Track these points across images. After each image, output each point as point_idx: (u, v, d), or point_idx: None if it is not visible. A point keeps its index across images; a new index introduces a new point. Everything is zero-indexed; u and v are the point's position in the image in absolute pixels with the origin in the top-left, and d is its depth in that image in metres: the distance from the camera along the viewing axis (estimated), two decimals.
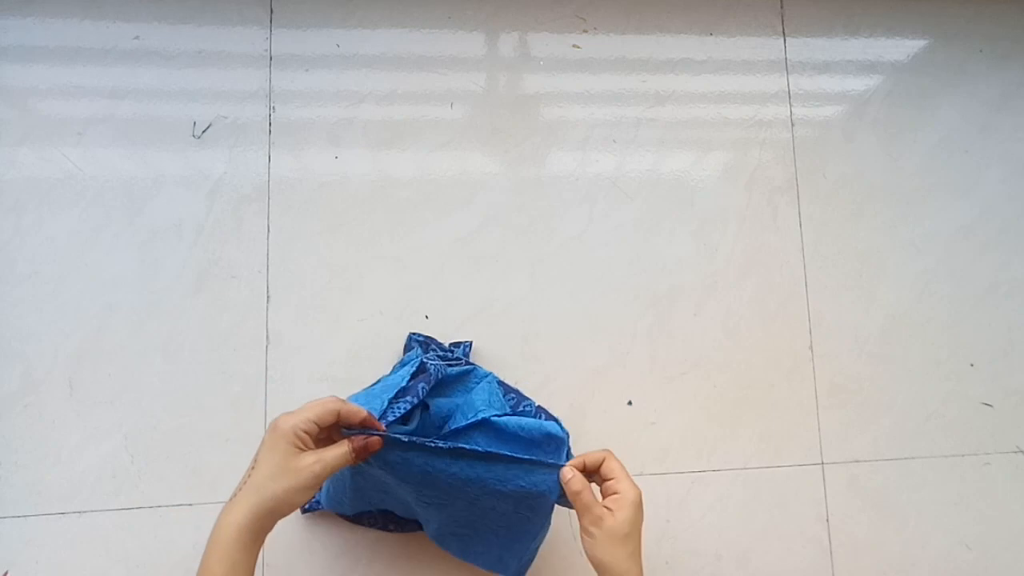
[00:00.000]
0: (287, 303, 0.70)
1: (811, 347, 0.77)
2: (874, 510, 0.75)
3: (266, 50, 0.74)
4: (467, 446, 0.52)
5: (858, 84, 0.82)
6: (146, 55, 0.72)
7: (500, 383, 0.62)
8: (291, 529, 0.66)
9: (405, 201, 0.73)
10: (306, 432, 0.47)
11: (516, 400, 0.61)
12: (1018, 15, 0.86)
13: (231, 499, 0.47)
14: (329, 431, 0.50)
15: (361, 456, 0.50)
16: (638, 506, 0.52)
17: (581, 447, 0.71)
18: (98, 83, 0.71)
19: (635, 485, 0.52)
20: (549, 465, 0.53)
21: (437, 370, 0.58)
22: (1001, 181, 0.83)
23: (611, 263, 0.75)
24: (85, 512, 0.65)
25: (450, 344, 0.70)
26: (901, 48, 0.84)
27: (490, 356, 0.72)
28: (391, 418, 0.52)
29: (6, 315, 0.67)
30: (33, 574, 0.64)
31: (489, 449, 0.52)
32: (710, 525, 0.72)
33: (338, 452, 0.49)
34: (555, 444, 0.56)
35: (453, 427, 0.55)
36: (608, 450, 0.55)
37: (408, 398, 0.54)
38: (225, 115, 0.72)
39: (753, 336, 0.76)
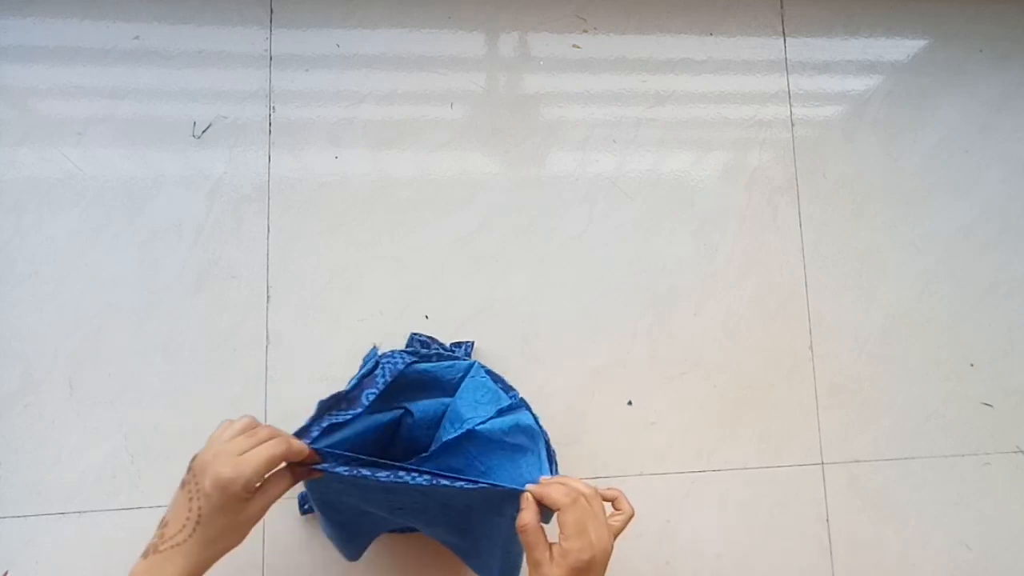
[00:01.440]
0: (287, 303, 0.70)
1: (811, 347, 0.77)
2: (874, 510, 0.75)
3: (266, 50, 0.74)
4: (407, 478, 0.48)
5: (858, 84, 0.82)
6: (146, 55, 0.72)
7: (486, 372, 0.61)
8: (291, 529, 0.66)
9: (405, 201, 0.73)
10: (255, 484, 0.46)
11: (503, 388, 0.60)
12: (1018, 15, 0.86)
13: (169, 547, 0.44)
14: None
15: (301, 477, 0.50)
16: (578, 570, 0.46)
17: (581, 447, 0.72)
18: (98, 83, 0.71)
19: (586, 548, 0.47)
20: (508, 491, 0.50)
21: (389, 370, 0.55)
22: (1001, 181, 0.83)
23: (611, 263, 0.75)
24: (85, 512, 0.65)
25: (451, 344, 0.70)
26: (901, 48, 0.84)
27: (490, 356, 0.72)
28: (315, 433, 0.50)
29: (6, 315, 0.67)
30: (33, 574, 0.64)
31: (433, 483, 0.48)
32: (710, 525, 0.72)
33: (280, 485, 0.49)
34: (532, 437, 0.55)
35: (444, 439, 0.54)
36: (575, 496, 0.49)
37: (341, 410, 0.52)
38: (225, 115, 0.72)
39: (753, 336, 0.76)
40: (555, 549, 0.48)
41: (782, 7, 0.82)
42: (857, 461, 0.76)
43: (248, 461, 0.45)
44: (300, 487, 0.63)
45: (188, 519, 0.45)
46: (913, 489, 0.76)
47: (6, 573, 0.63)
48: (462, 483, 0.49)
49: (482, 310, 0.73)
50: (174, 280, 0.69)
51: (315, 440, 0.50)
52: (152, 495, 0.66)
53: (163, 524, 0.46)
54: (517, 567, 0.59)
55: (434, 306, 0.72)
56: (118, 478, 0.65)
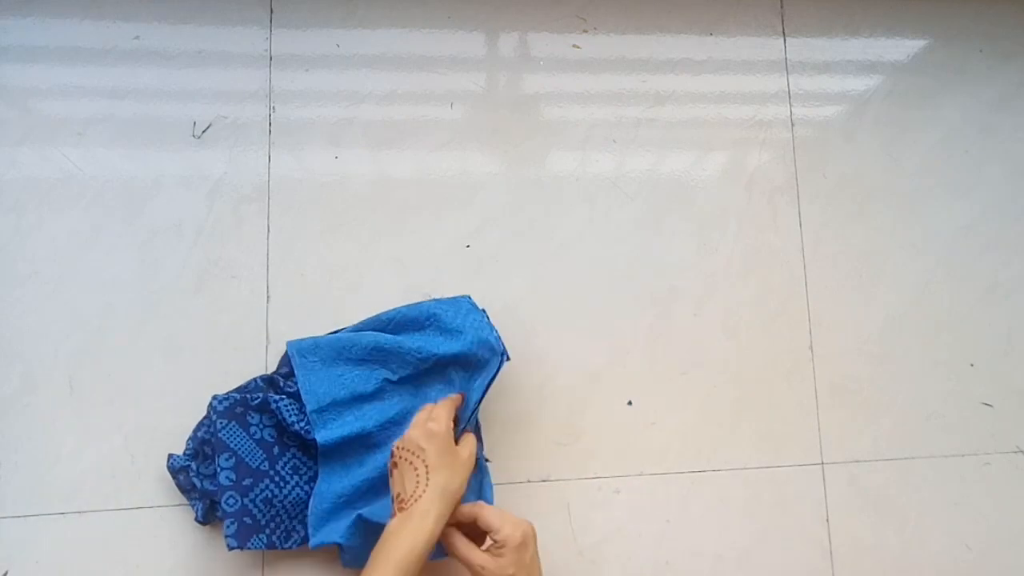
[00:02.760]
0: (287, 303, 0.70)
1: (811, 347, 0.77)
2: (874, 510, 0.75)
3: (266, 50, 0.74)
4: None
5: (858, 84, 0.82)
6: (146, 55, 0.72)
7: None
8: None
9: (405, 201, 0.73)
10: (452, 429, 0.57)
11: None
12: (1018, 15, 0.86)
13: (412, 501, 0.53)
14: None
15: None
16: (520, 547, 0.53)
17: (582, 447, 0.72)
18: (98, 83, 0.71)
19: (517, 526, 0.54)
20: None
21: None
22: (1001, 181, 0.83)
23: (611, 263, 0.75)
24: (85, 512, 0.65)
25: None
26: (901, 48, 0.84)
27: None
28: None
29: (6, 315, 0.67)
30: (33, 574, 0.64)
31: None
32: (710, 525, 0.72)
33: (472, 438, 0.60)
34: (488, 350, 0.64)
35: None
36: (477, 503, 0.57)
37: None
38: (225, 115, 0.72)
39: (753, 336, 0.76)
40: (493, 547, 0.54)
41: (782, 7, 0.82)
42: (857, 461, 0.76)
43: (437, 417, 0.57)
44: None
45: (419, 475, 0.54)
46: (913, 489, 0.76)
47: (6, 573, 0.63)
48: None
49: None
50: (174, 280, 0.69)
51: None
52: (152, 495, 0.66)
53: (395, 499, 0.55)
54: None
55: None
56: (118, 478, 0.65)
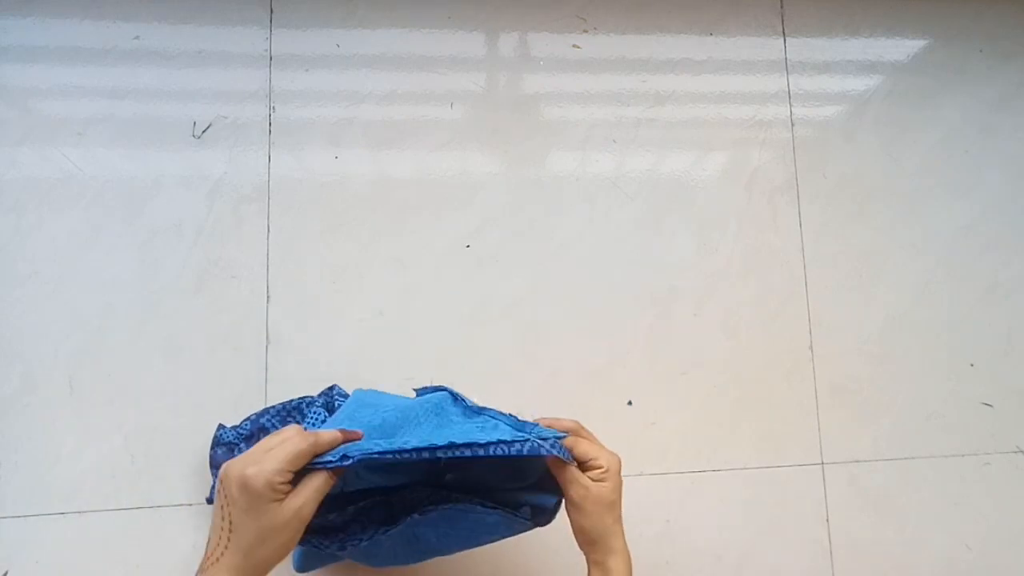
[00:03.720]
0: (287, 303, 0.70)
1: (811, 347, 0.77)
2: (874, 510, 0.75)
3: (266, 50, 0.73)
4: (441, 444, 0.47)
5: (858, 84, 0.82)
6: (146, 55, 0.72)
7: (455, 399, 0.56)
8: None
9: (405, 201, 0.73)
10: (283, 483, 0.43)
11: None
12: (1018, 15, 0.86)
13: (210, 564, 0.43)
14: None
15: (340, 473, 0.47)
16: (619, 473, 0.53)
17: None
18: (98, 83, 0.71)
19: (612, 453, 0.54)
20: (530, 452, 0.50)
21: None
22: (1001, 181, 0.83)
23: (611, 263, 0.75)
24: (85, 512, 0.65)
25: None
26: (901, 48, 0.84)
27: (490, 357, 0.72)
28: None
29: (6, 315, 0.67)
30: (33, 574, 0.64)
31: (471, 453, 0.48)
32: (710, 525, 0.72)
33: (318, 482, 0.45)
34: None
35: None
36: (574, 425, 0.55)
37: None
38: (225, 115, 0.72)
39: (753, 336, 0.76)
40: (594, 473, 0.52)
41: (782, 7, 0.82)
42: (857, 461, 0.76)
43: (270, 456, 0.43)
44: None
45: (223, 529, 0.43)
46: (913, 489, 0.76)
47: (6, 573, 0.63)
48: (499, 448, 0.49)
49: (482, 310, 0.73)
50: (174, 280, 0.69)
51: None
52: (152, 495, 0.66)
53: (207, 542, 0.44)
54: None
55: (434, 306, 0.72)
56: (118, 478, 0.65)
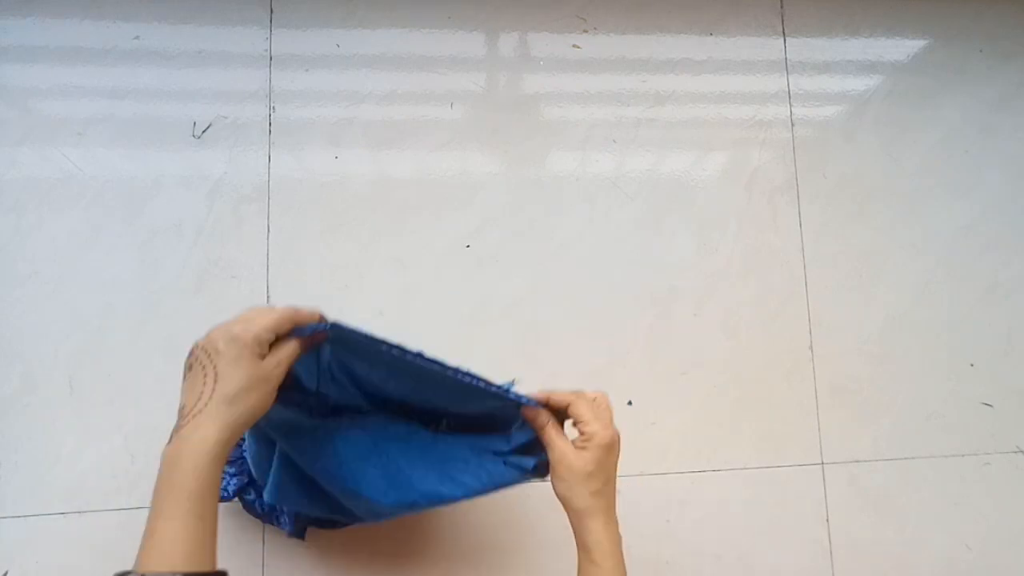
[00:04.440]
0: (287, 303, 0.70)
1: (811, 347, 0.77)
2: (874, 510, 0.75)
3: (266, 50, 0.74)
4: (426, 358, 0.50)
5: (858, 84, 0.82)
6: (146, 55, 0.72)
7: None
8: None
9: (405, 201, 0.73)
10: (267, 341, 0.46)
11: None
12: (1018, 15, 0.86)
13: (191, 417, 0.44)
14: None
15: (308, 345, 0.50)
16: (606, 448, 0.50)
17: None
18: (98, 83, 0.71)
19: (607, 427, 0.51)
20: (510, 398, 0.52)
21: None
22: (1001, 181, 0.83)
23: (611, 263, 0.75)
24: (85, 512, 0.65)
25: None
26: (901, 48, 0.84)
27: (490, 357, 0.72)
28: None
29: (6, 315, 0.67)
30: (33, 574, 0.64)
31: (447, 373, 0.50)
32: (710, 525, 0.72)
33: (290, 348, 0.48)
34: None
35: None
36: (578, 392, 0.53)
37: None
38: (225, 115, 0.72)
39: (753, 336, 0.76)
40: (579, 439, 0.51)
41: (782, 7, 0.82)
42: (857, 461, 0.76)
43: (258, 318, 0.47)
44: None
45: (204, 384, 0.45)
46: (913, 489, 0.76)
47: (6, 573, 0.63)
48: (477, 381, 0.51)
49: (482, 310, 0.73)
50: (174, 280, 0.69)
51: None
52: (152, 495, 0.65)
53: (180, 409, 0.46)
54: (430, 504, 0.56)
55: (434, 306, 0.72)
56: (118, 478, 0.65)
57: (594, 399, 0.52)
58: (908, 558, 0.75)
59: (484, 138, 0.75)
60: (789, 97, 0.81)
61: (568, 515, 0.51)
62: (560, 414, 0.53)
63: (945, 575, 0.75)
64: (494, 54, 0.77)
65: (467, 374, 0.51)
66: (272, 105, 0.73)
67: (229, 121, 0.72)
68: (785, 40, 0.82)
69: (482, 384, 0.51)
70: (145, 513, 0.66)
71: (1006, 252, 0.82)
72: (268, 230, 0.71)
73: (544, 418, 0.52)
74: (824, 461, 0.75)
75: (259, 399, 0.46)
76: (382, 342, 0.49)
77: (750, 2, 0.82)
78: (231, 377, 0.45)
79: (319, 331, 0.50)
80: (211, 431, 0.44)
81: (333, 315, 0.70)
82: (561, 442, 0.51)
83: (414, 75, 0.75)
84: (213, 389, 0.45)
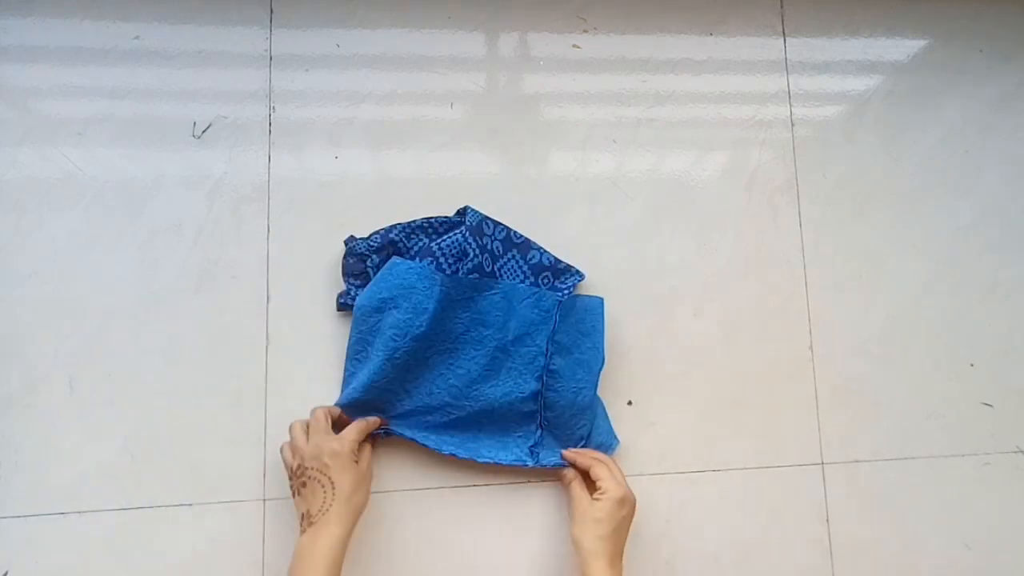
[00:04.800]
0: (287, 303, 0.70)
1: (811, 347, 0.77)
2: (874, 510, 0.75)
3: (266, 50, 0.74)
4: (461, 456, 0.68)
5: (858, 84, 0.82)
6: (146, 55, 0.72)
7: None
8: (291, 529, 0.66)
9: (405, 201, 0.73)
10: (356, 450, 0.61)
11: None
12: (1018, 15, 0.86)
13: (320, 516, 0.56)
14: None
15: (374, 439, 0.67)
16: (617, 501, 0.62)
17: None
18: (98, 83, 0.71)
19: (620, 486, 0.63)
20: (543, 465, 0.68)
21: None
22: (1001, 181, 0.83)
23: (611, 263, 0.75)
24: (85, 512, 0.65)
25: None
26: (901, 48, 0.84)
27: None
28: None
29: (6, 315, 0.67)
30: (33, 574, 0.64)
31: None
32: (710, 525, 0.72)
33: (368, 451, 0.64)
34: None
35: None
36: (601, 459, 0.67)
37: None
38: (225, 115, 0.72)
39: (753, 336, 0.76)
40: (596, 493, 0.63)
41: (782, 7, 0.82)
42: (857, 461, 0.76)
43: (346, 436, 0.61)
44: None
45: (325, 491, 0.57)
46: (913, 489, 0.76)
47: (6, 573, 0.63)
48: (510, 461, 0.68)
49: None
50: (174, 280, 0.69)
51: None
52: (152, 495, 0.66)
53: (304, 513, 0.58)
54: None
55: None
56: (118, 478, 0.65)
57: (608, 462, 0.66)
58: (908, 558, 0.75)
59: (484, 138, 0.75)
60: (789, 97, 0.81)
61: (578, 556, 0.60)
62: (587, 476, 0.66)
63: (945, 575, 0.75)
64: (494, 54, 0.77)
65: (497, 461, 0.67)
66: (272, 105, 0.73)
67: (229, 121, 0.72)
68: (785, 40, 0.82)
69: (517, 463, 0.67)
70: (144, 513, 0.66)
71: (1006, 252, 0.82)
72: (268, 230, 0.71)
73: (571, 475, 0.67)
74: (824, 461, 0.75)
75: (365, 495, 0.61)
76: (427, 443, 0.67)
77: (750, 2, 0.82)
78: (344, 482, 0.58)
79: (386, 434, 0.67)
80: (336, 530, 0.56)
81: (333, 315, 0.71)
82: (582, 493, 0.64)
83: (414, 75, 0.75)
84: (333, 494, 0.57)
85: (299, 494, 0.59)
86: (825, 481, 0.75)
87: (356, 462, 0.60)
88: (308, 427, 0.63)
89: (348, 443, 0.60)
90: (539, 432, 0.68)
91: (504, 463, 0.67)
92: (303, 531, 0.57)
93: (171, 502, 0.66)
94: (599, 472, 0.64)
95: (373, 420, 0.65)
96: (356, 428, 0.62)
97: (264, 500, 0.67)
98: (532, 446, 0.68)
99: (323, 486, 0.57)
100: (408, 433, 0.66)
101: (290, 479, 0.61)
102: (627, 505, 0.63)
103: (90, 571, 0.64)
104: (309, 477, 0.58)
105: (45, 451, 0.65)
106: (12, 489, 0.64)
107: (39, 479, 0.65)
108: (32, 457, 0.65)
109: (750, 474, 0.74)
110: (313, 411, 0.64)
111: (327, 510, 0.56)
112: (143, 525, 0.65)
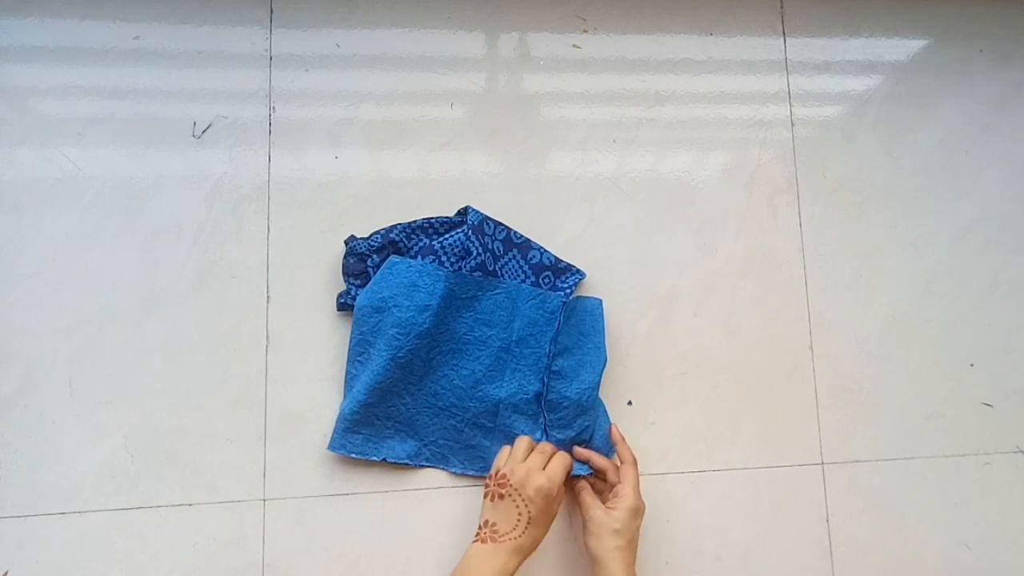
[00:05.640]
0: (287, 303, 0.70)
1: (811, 347, 0.77)
2: (874, 510, 0.75)
3: (266, 50, 0.74)
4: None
5: (858, 84, 0.82)
6: (146, 55, 0.72)
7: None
8: (291, 529, 0.66)
9: (405, 201, 0.73)
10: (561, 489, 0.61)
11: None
12: (1018, 15, 0.86)
13: (507, 539, 0.58)
14: None
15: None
16: (632, 511, 0.62)
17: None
18: (98, 83, 0.71)
19: (638, 497, 0.63)
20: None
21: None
22: (1001, 181, 0.83)
23: (611, 263, 0.75)
24: (85, 512, 0.65)
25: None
26: (901, 48, 0.84)
27: None
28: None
29: (6, 315, 0.67)
30: (33, 574, 0.64)
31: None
32: (710, 525, 0.72)
33: (562, 492, 0.63)
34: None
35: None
36: (613, 460, 0.67)
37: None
38: (225, 115, 0.72)
39: (753, 336, 0.76)
40: (611, 501, 0.63)
41: (782, 7, 0.82)
42: (857, 461, 0.76)
43: (555, 471, 0.61)
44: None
45: (519, 520, 0.58)
46: (913, 489, 0.76)
47: (6, 573, 0.63)
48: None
49: None
50: (174, 280, 0.69)
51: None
52: (152, 495, 0.66)
53: (489, 524, 0.59)
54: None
55: None
56: (118, 478, 0.65)
57: (630, 465, 0.66)
58: (908, 558, 0.75)
59: (484, 138, 0.75)
60: (789, 97, 0.81)
61: (594, 567, 0.61)
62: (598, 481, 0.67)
63: (945, 575, 0.75)
64: (494, 54, 0.77)
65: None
66: (272, 105, 0.73)
67: (229, 121, 0.72)
68: (785, 40, 0.82)
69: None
70: (144, 512, 0.66)
71: (1006, 252, 0.82)
72: (268, 230, 0.71)
73: (581, 483, 0.66)
74: (824, 461, 0.75)
75: (545, 532, 0.61)
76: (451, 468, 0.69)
77: (750, 2, 0.82)
78: (539, 523, 0.59)
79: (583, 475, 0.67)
80: (514, 559, 0.58)
81: (332, 315, 0.71)
82: (594, 503, 0.63)
83: (414, 75, 0.75)
84: (525, 528, 0.58)
85: (493, 501, 0.60)
86: (825, 481, 0.75)
87: (556, 498, 0.61)
88: (524, 448, 0.63)
89: (557, 479, 0.60)
90: (544, 438, 0.68)
91: None
92: (483, 540, 0.58)
93: (171, 502, 0.66)
94: (614, 479, 0.65)
95: (567, 457, 0.64)
96: (564, 466, 0.62)
97: (264, 500, 0.67)
98: None
99: (520, 513, 0.58)
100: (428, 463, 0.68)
101: (490, 478, 0.62)
102: (640, 514, 0.63)
103: (90, 571, 0.64)
104: (509, 494, 0.59)
105: (45, 451, 0.65)
106: (12, 489, 0.64)
107: (39, 479, 0.65)
108: (32, 457, 0.65)
109: (750, 474, 0.74)
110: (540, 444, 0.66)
111: (516, 538, 0.58)
112: (143, 525, 0.65)
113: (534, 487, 0.59)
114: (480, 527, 0.60)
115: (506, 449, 0.64)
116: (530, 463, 0.61)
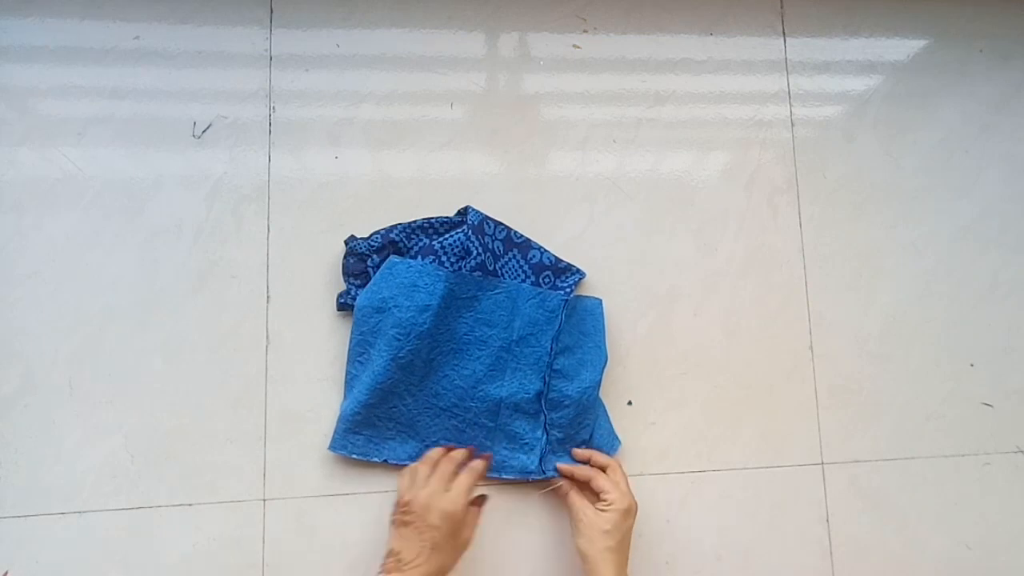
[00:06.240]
0: (287, 303, 0.70)
1: (811, 347, 0.77)
2: (874, 510, 0.75)
3: (266, 50, 0.74)
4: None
5: (858, 84, 0.82)
6: (146, 55, 0.72)
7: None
8: (291, 529, 0.66)
9: (405, 201, 0.73)
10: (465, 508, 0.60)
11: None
12: (1018, 15, 0.86)
13: (410, 568, 0.56)
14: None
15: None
16: (623, 512, 0.62)
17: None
18: (98, 83, 0.71)
19: (625, 495, 0.63)
20: (545, 475, 0.68)
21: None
22: (1001, 181, 0.83)
23: (611, 263, 0.75)
24: (85, 512, 0.65)
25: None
26: (901, 48, 0.84)
27: None
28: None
29: (6, 315, 0.67)
30: (33, 574, 0.64)
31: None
32: (710, 525, 0.72)
33: (474, 515, 0.62)
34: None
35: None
36: (595, 469, 0.66)
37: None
38: (225, 115, 0.72)
39: (753, 336, 0.76)
40: (600, 504, 0.63)
41: (782, 7, 0.82)
42: (857, 461, 0.76)
43: (458, 493, 0.59)
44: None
45: (423, 547, 0.57)
46: (913, 489, 0.76)
47: (6, 573, 0.63)
48: (515, 474, 0.68)
49: None
50: (174, 280, 0.69)
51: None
52: (152, 495, 0.66)
53: (394, 553, 0.57)
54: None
55: None
56: (118, 478, 0.65)
57: (608, 467, 0.66)
58: (908, 558, 0.75)
59: (484, 138, 0.75)
60: (789, 97, 0.81)
61: (585, 567, 0.60)
62: (586, 487, 0.66)
63: (945, 575, 0.75)
64: (494, 54, 0.77)
65: (500, 476, 0.68)
66: (272, 105, 0.73)
67: (229, 121, 0.72)
68: (785, 40, 0.82)
69: (522, 476, 0.68)
70: (144, 512, 0.66)
71: (1006, 252, 0.82)
72: (268, 230, 0.71)
73: (567, 487, 0.66)
74: (824, 461, 0.75)
75: (457, 557, 0.59)
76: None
77: (750, 2, 0.82)
78: (444, 549, 0.57)
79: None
80: None
81: (332, 315, 0.71)
82: (583, 504, 0.63)
83: (414, 75, 0.75)
84: (429, 555, 0.56)
85: (398, 529, 0.59)
86: (825, 481, 0.75)
87: (462, 520, 0.59)
88: (426, 471, 0.62)
89: (461, 502, 0.59)
90: (544, 438, 0.68)
91: (508, 477, 0.68)
92: (387, 571, 0.56)
93: (171, 502, 0.66)
94: (602, 483, 0.64)
95: (480, 465, 0.63)
96: (468, 485, 0.60)
97: (264, 500, 0.67)
98: (540, 457, 0.68)
99: (423, 541, 0.57)
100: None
101: (395, 506, 0.61)
102: (632, 515, 0.63)
103: (90, 571, 0.64)
104: (414, 522, 0.58)
105: (45, 451, 0.65)
106: (12, 489, 0.64)
107: (39, 479, 0.65)
108: (32, 457, 0.65)
109: (750, 474, 0.74)
110: (446, 455, 0.64)
111: (419, 565, 0.56)
112: (143, 525, 0.65)
113: (438, 513, 0.57)
114: (385, 557, 0.58)
115: (407, 472, 0.62)
116: (432, 487, 0.59)
